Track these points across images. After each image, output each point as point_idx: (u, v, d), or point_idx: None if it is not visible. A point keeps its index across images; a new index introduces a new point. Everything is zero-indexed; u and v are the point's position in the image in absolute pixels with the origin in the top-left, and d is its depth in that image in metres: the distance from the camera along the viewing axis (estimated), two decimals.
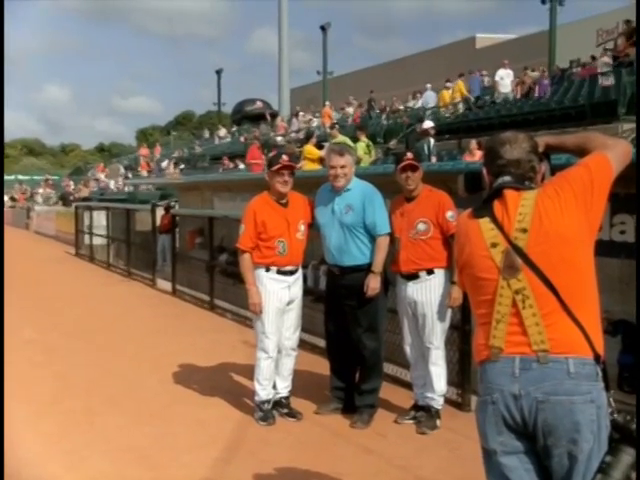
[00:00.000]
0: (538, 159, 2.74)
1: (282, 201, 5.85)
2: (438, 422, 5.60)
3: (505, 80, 23.00)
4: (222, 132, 43.76)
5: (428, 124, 16.20)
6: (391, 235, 5.67)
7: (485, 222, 2.65)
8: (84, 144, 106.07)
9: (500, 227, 2.61)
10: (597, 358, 2.52)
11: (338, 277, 5.82)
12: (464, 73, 25.78)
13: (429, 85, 28.09)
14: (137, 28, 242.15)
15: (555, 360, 2.50)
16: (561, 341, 2.51)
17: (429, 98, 26.72)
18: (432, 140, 15.40)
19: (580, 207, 2.56)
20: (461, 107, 24.13)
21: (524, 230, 2.57)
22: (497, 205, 2.66)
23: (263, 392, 5.83)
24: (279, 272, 5.79)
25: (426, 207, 5.52)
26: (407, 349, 5.77)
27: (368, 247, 5.69)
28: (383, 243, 5.66)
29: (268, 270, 5.78)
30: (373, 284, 5.62)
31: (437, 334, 5.52)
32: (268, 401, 5.85)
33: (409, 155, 5.64)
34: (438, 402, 5.62)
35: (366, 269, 5.66)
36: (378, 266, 5.64)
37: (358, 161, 12.73)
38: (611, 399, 2.54)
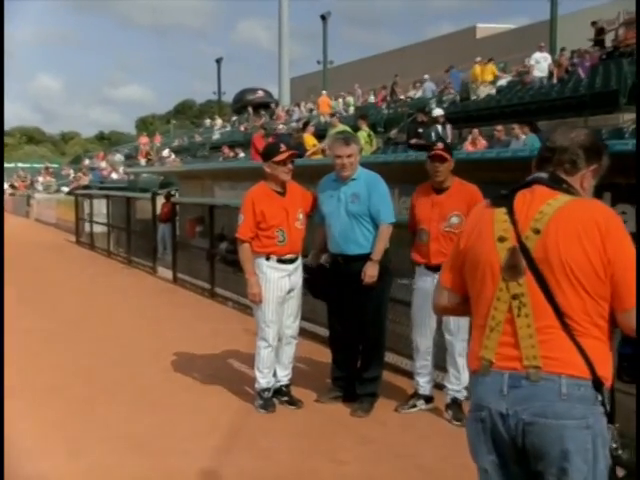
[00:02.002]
0: (586, 159, 2.48)
1: (280, 190, 5.83)
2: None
3: (542, 64, 21.88)
4: (218, 122, 43.87)
5: (438, 112, 16.28)
6: (415, 225, 5.62)
7: (500, 212, 2.43)
8: (81, 132, 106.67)
9: (515, 221, 2.38)
10: (597, 382, 2.31)
11: (342, 266, 5.78)
12: (493, 58, 25.54)
13: (427, 76, 28.03)
14: (122, 18, 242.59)
15: (547, 378, 2.30)
16: (555, 359, 2.31)
17: (428, 89, 26.63)
18: (439, 127, 15.47)
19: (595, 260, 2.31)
20: (489, 89, 23.70)
21: (537, 231, 2.34)
22: (520, 197, 2.43)
23: (263, 380, 5.84)
24: (279, 261, 5.79)
25: (458, 200, 5.42)
26: (418, 340, 5.70)
27: (374, 235, 5.67)
28: (386, 232, 5.65)
29: (268, 259, 5.78)
30: (371, 272, 5.59)
31: (465, 326, 5.43)
32: (268, 389, 5.86)
33: (439, 145, 5.58)
34: (463, 393, 5.58)
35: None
36: (378, 254, 5.62)
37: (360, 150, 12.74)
38: (615, 432, 2.33)
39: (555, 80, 21.25)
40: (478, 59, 24.35)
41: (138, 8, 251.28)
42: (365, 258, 5.64)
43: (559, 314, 2.31)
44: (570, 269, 2.29)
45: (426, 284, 5.55)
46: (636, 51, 17.68)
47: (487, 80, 23.81)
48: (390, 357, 6.63)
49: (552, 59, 22.25)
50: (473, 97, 23.53)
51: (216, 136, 39.60)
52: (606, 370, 2.36)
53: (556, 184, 2.43)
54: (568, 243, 2.30)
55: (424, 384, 5.77)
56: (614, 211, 2.39)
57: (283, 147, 5.85)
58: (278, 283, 5.78)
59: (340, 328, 5.95)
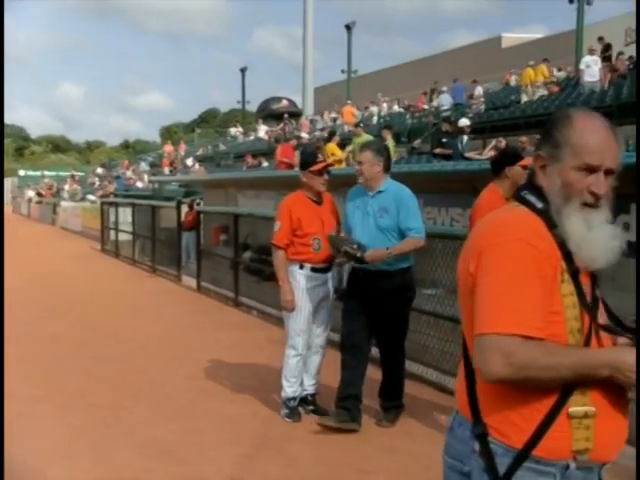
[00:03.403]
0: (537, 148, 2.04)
1: (316, 199, 5.86)
2: None
3: (592, 68, 20.80)
4: (236, 130, 44.43)
5: (464, 122, 16.23)
6: None
7: None
8: (104, 140, 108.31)
9: None
10: (480, 429, 1.91)
11: (362, 280, 5.55)
12: (547, 58, 25.46)
13: (445, 87, 28.02)
14: (138, 27, 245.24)
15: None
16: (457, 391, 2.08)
17: (444, 100, 26.58)
18: (465, 137, 15.44)
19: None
20: (542, 91, 23.41)
21: None
22: None
23: (290, 389, 5.84)
24: (313, 269, 5.78)
25: None
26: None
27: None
28: (413, 242, 5.43)
29: (302, 267, 5.77)
30: (377, 255, 5.33)
31: None
32: (294, 398, 5.86)
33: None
34: None
35: (395, 274, 5.45)
36: (396, 249, 5.35)
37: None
38: None
39: (606, 85, 20.65)
40: (531, 62, 24.24)
41: (152, 15, 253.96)
42: (387, 275, 5.42)
43: (464, 338, 2.02)
44: (458, 285, 2.03)
45: None
46: (636, 53, 17.52)
47: (539, 81, 23.67)
48: (415, 367, 6.60)
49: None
50: (525, 100, 23.33)
51: (240, 145, 39.73)
52: (495, 419, 1.89)
53: (517, 191, 2.07)
54: (461, 258, 2.03)
55: None
56: (519, 233, 1.88)
57: (320, 157, 5.90)
58: (311, 292, 5.78)
59: (352, 340, 5.62)
